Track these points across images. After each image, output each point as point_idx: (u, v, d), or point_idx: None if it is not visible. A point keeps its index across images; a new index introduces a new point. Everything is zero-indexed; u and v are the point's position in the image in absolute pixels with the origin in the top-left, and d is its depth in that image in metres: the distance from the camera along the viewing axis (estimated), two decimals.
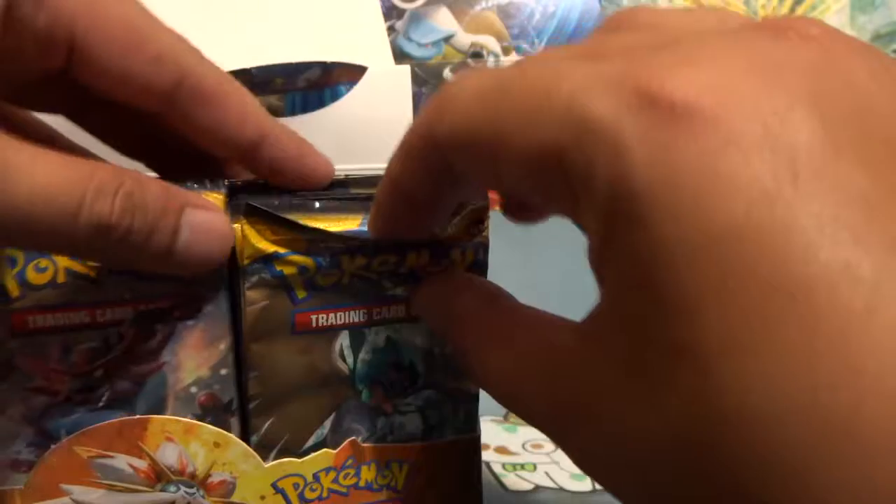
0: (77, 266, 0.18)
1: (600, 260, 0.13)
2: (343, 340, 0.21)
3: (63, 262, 0.18)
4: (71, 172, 0.16)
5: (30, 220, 0.15)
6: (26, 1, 0.16)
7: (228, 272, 0.20)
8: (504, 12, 0.40)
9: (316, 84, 0.36)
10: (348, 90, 0.36)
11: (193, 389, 0.20)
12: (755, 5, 0.40)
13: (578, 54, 0.14)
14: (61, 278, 0.18)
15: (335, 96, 0.37)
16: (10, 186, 0.15)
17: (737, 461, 0.10)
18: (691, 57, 0.12)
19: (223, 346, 0.20)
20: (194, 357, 0.20)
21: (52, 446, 0.19)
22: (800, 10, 0.40)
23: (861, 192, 0.10)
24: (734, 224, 0.10)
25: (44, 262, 0.18)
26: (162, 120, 0.19)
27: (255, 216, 0.19)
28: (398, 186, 0.17)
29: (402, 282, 0.21)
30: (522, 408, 0.16)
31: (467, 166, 0.15)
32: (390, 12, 0.39)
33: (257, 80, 0.36)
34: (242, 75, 0.35)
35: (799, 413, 0.10)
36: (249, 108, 0.19)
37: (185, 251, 0.17)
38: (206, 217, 0.18)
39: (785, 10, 0.40)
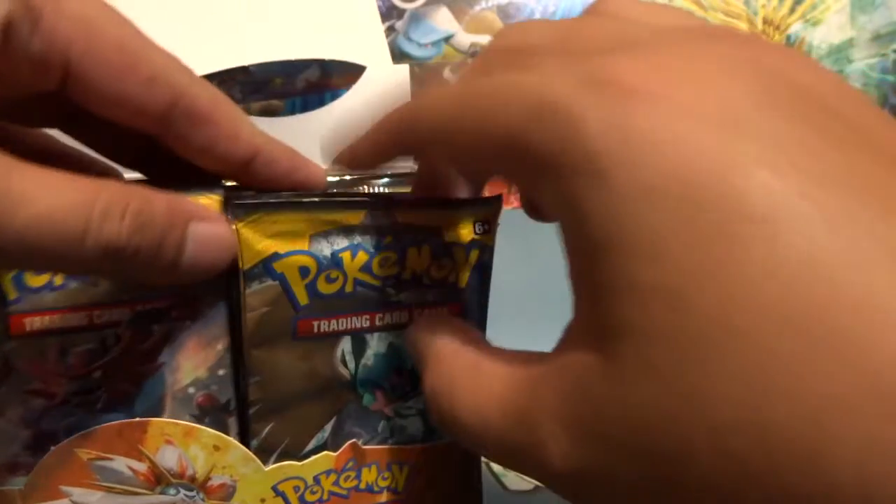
0: None
1: (566, 235, 0.14)
2: (344, 346, 0.20)
3: None
4: (76, 195, 0.15)
5: (35, 247, 0.15)
6: (22, 25, 0.16)
7: (227, 273, 0.20)
8: (504, 12, 0.40)
9: (315, 86, 0.36)
10: (347, 89, 0.36)
11: (191, 390, 0.20)
12: (755, 5, 0.40)
13: (543, 51, 0.15)
14: (58, 280, 0.18)
15: (335, 95, 0.37)
16: (15, 212, 0.15)
17: (728, 385, 0.11)
18: (639, 51, 0.13)
19: (220, 346, 0.20)
20: (192, 358, 0.20)
21: (52, 448, 0.19)
22: (800, 10, 0.40)
23: (796, 138, 0.12)
24: (687, 169, 0.12)
25: None
26: (157, 138, 0.19)
27: (250, 214, 0.19)
28: (365, 161, 0.19)
29: (405, 288, 0.20)
30: (488, 448, 0.16)
31: (446, 157, 0.17)
32: (390, 12, 0.38)
33: (256, 78, 0.35)
34: (241, 73, 0.35)
35: (772, 324, 0.11)
36: (241, 126, 0.20)
37: (190, 264, 0.18)
38: (209, 229, 0.18)
39: (785, 10, 0.40)
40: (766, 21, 0.39)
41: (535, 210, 0.20)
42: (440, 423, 0.17)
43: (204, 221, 0.18)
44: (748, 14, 0.39)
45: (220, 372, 0.20)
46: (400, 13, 0.39)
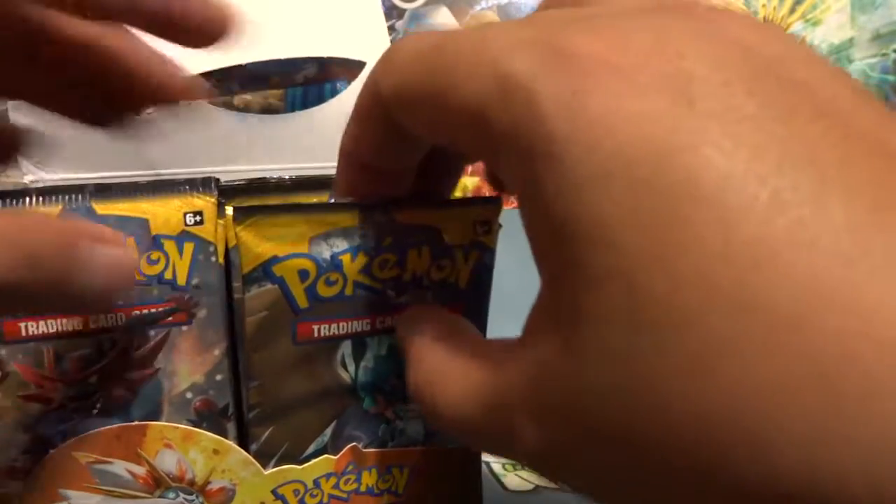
0: None
1: (525, 215, 0.14)
2: (345, 349, 0.20)
3: None
4: None
5: None
6: None
7: (225, 276, 0.19)
8: (504, 12, 0.39)
9: (314, 80, 0.35)
10: (348, 86, 0.35)
11: (189, 395, 0.20)
12: (755, 5, 0.40)
13: (509, 24, 0.15)
14: None
15: (335, 92, 0.36)
16: None
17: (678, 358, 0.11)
18: (597, 25, 0.13)
19: (218, 351, 0.20)
20: (189, 363, 0.20)
21: (51, 451, 0.19)
22: (800, 10, 0.40)
23: (750, 114, 0.12)
24: (638, 151, 0.12)
25: None
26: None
27: (248, 217, 0.18)
28: (352, 150, 0.18)
29: (405, 290, 0.20)
30: (469, 438, 0.16)
31: (409, 121, 0.16)
32: (390, 12, 0.38)
33: (252, 74, 0.35)
34: (237, 70, 0.35)
35: (719, 307, 0.11)
36: None
37: (89, 292, 0.16)
38: (106, 253, 0.17)
39: (785, 10, 0.40)
40: (766, 21, 0.39)
41: (496, 182, 0.20)
42: (425, 416, 0.17)
43: (99, 245, 0.17)
44: (748, 14, 0.39)
45: (218, 377, 0.20)
46: (400, 13, 0.38)
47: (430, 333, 0.18)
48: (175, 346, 0.19)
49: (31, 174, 0.35)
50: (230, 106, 0.35)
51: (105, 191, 0.18)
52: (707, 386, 0.11)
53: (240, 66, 0.35)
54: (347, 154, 0.19)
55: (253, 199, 0.22)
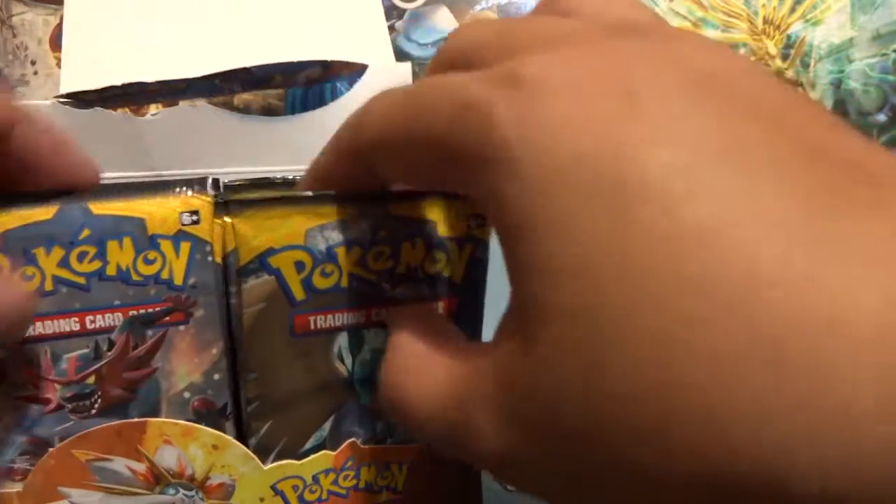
0: (65, 273, 0.18)
1: (494, 227, 0.14)
2: (341, 342, 0.20)
3: (50, 269, 0.18)
4: None
5: None
6: None
7: (223, 274, 0.19)
8: (504, 12, 0.40)
9: (317, 80, 0.35)
10: (349, 89, 0.35)
11: (187, 395, 0.20)
12: (755, 5, 0.40)
13: (486, 50, 0.16)
14: (49, 286, 0.18)
15: (336, 94, 0.37)
16: None
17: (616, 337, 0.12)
18: (558, 48, 0.14)
19: (216, 350, 0.20)
20: (187, 363, 0.20)
21: (50, 450, 0.19)
22: (800, 10, 0.40)
23: (690, 116, 0.12)
24: (586, 151, 0.12)
25: (30, 270, 0.18)
26: None
27: (245, 209, 0.19)
28: (323, 178, 0.19)
29: (400, 282, 0.20)
30: (430, 435, 0.16)
31: (385, 167, 0.17)
32: (390, 12, 0.38)
33: (256, 76, 0.35)
34: (242, 73, 0.35)
35: (667, 289, 0.11)
36: None
37: None
38: None
39: (785, 10, 0.40)
40: (766, 21, 0.39)
41: None
42: (387, 410, 0.18)
43: None
44: (748, 14, 0.39)
45: (216, 376, 0.20)
46: (400, 13, 0.39)
47: (411, 329, 0.18)
48: (173, 345, 0.19)
49: None
50: (230, 106, 0.35)
51: (101, 191, 0.19)
52: (658, 366, 0.11)
53: (244, 69, 0.36)
54: (317, 176, 0.19)
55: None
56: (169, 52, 0.35)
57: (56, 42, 0.38)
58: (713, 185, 0.12)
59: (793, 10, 0.40)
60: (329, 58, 0.35)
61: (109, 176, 0.35)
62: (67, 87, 0.34)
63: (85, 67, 0.35)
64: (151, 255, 0.19)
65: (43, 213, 0.18)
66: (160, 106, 0.35)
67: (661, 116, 0.12)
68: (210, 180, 0.19)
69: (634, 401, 0.12)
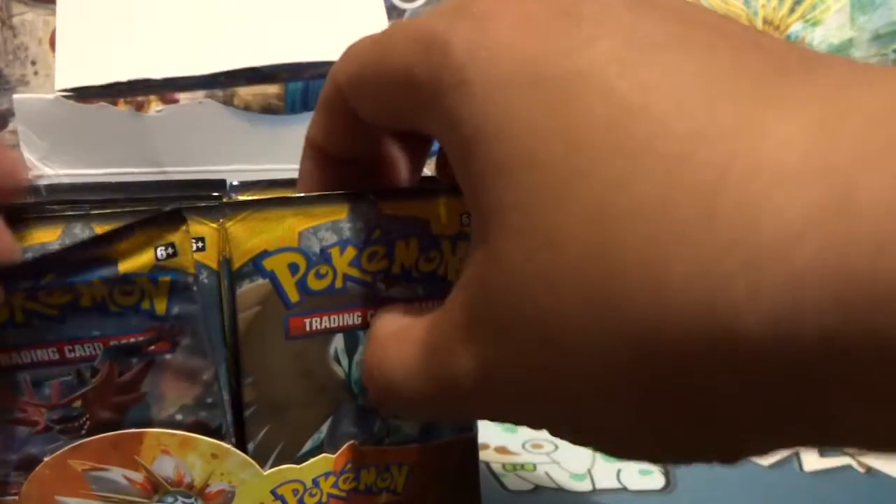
0: (35, 305, 0.17)
1: (451, 158, 0.15)
2: (337, 344, 0.20)
3: (18, 301, 0.17)
4: None
5: None
6: None
7: (221, 292, 0.19)
8: None
9: (321, 75, 0.35)
10: None
11: (179, 417, 0.19)
12: (755, 5, 0.40)
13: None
14: (19, 318, 0.17)
15: None
16: None
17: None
18: None
19: (206, 376, 0.19)
20: (176, 388, 0.19)
21: (45, 459, 0.19)
22: (799, 10, 0.40)
23: (626, 22, 0.13)
24: (532, 57, 0.13)
25: None
26: None
27: (238, 213, 0.18)
28: (314, 136, 0.20)
29: (395, 282, 0.20)
30: (415, 398, 0.17)
31: (361, 104, 0.18)
32: (390, 12, 0.38)
33: (262, 73, 0.35)
34: (250, 70, 0.35)
35: (608, 157, 0.12)
36: None
37: None
38: None
39: (785, 10, 0.40)
40: (765, 21, 0.39)
41: (443, 167, 0.21)
42: (373, 394, 0.18)
43: None
44: (748, 14, 0.39)
45: (209, 400, 0.19)
46: (400, 13, 0.39)
47: (386, 317, 0.19)
48: (160, 371, 0.19)
49: (35, 170, 0.35)
50: (230, 106, 0.35)
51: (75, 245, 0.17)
52: (602, 228, 0.12)
53: (252, 68, 0.35)
54: (311, 140, 0.20)
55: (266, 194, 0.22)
56: (167, 49, 0.35)
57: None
58: (646, 65, 0.12)
59: (792, 10, 0.40)
60: (332, 58, 0.35)
61: (115, 172, 0.35)
62: (63, 82, 0.34)
63: (80, 64, 0.35)
64: (128, 288, 0.18)
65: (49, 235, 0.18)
66: (161, 102, 0.35)
67: (601, 19, 0.13)
68: (182, 210, 0.18)
69: (582, 275, 0.12)
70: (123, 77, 0.33)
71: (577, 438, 0.15)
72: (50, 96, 0.33)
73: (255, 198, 0.19)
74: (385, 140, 0.20)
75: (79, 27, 0.35)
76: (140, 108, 0.34)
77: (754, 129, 0.11)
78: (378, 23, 0.37)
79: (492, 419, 0.16)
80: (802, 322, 0.10)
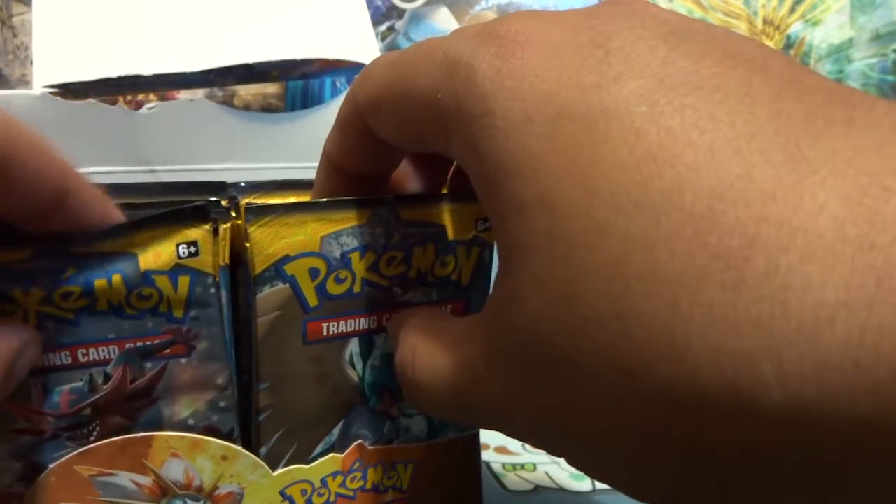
0: (49, 308, 0.17)
1: (474, 184, 0.15)
2: (352, 347, 0.20)
3: (33, 305, 0.17)
4: None
5: None
6: None
7: (231, 299, 0.19)
8: (504, 12, 0.39)
9: (313, 74, 0.35)
10: (347, 87, 0.35)
11: (191, 422, 0.19)
12: (755, 5, 0.40)
13: (461, 28, 0.17)
14: (32, 321, 0.17)
15: (335, 92, 0.36)
16: None
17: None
18: (531, 16, 0.15)
19: (221, 380, 0.19)
20: (189, 393, 0.19)
21: (51, 466, 0.18)
22: (800, 10, 0.40)
23: (659, 55, 0.13)
24: (554, 93, 0.13)
25: (9, 307, 0.16)
26: None
27: (261, 217, 0.18)
28: (332, 153, 0.20)
29: (411, 287, 0.20)
30: (445, 405, 0.17)
31: (380, 125, 0.18)
32: (390, 12, 0.38)
33: (253, 71, 0.35)
34: (241, 67, 0.35)
35: (626, 211, 0.12)
36: (49, 161, 0.16)
37: None
38: None
39: (785, 10, 0.40)
40: (766, 21, 0.39)
41: (457, 183, 0.21)
42: (407, 393, 0.18)
43: None
44: (748, 14, 0.39)
45: (222, 404, 0.19)
46: (400, 13, 0.38)
47: (416, 318, 0.19)
48: (174, 377, 0.18)
49: None
50: (230, 105, 0.35)
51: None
52: (622, 287, 0.11)
53: (243, 65, 0.35)
54: (328, 154, 0.20)
55: (275, 197, 0.21)
56: (156, 46, 0.35)
57: None
58: (677, 110, 0.12)
59: (792, 10, 0.40)
60: (317, 55, 0.35)
61: (108, 171, 0.34)
62: (42, 79, 0.33)
63: (59, 60, 0.34)
64: (146, 291, 0.18)
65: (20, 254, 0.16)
66: (155, 98, 0.34)
67: (632, 54, 0.13)
68: (208, 207, 0.18)
69: (601, 333, 0.12)
70: (112, 73, 0.33)
71: (593, 475, 0.15)
72: (36, 92, 0.32)
73: (277, 202, 0.18)
74: (403, 159, 0.20)
75: (56, 22, 0.34)
76: (139, 107, 0.34)
77: (787, 192, 0.10)
78: (359, 21, 0.37)
79: (511, 434, 0.16)
80: (833, 406, 0.10)
